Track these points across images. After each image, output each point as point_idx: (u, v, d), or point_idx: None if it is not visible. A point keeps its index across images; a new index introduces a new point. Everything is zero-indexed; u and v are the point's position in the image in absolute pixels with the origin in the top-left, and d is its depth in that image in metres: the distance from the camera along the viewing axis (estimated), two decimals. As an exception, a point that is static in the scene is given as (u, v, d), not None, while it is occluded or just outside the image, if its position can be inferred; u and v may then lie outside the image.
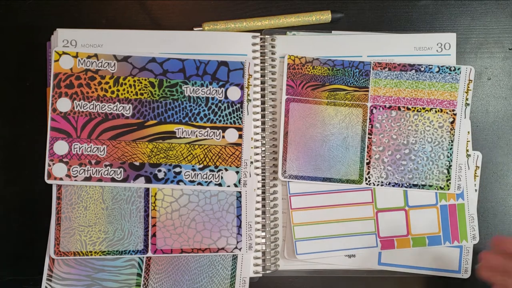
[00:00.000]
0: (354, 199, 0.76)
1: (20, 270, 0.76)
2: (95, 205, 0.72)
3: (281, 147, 0.75)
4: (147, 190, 0.73)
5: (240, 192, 0.74)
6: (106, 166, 0.72)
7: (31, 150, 0.75)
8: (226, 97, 0.74)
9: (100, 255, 0.72)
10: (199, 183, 0.73)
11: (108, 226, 0.72)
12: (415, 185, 0.76)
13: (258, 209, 0.75)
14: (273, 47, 0.76)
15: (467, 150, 0.76)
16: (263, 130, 0.76)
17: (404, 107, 0.76)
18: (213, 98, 0.74)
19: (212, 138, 0.74)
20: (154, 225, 0.73)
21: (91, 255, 0.72)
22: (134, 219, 0.73)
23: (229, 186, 0.73)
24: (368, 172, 0.76)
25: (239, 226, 0.74)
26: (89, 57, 0.72)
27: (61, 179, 0.71)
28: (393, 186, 0.75)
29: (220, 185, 0.73)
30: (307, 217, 0.75)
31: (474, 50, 0.79)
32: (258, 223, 0.75)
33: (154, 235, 0.73)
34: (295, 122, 0.76)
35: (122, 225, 0.73)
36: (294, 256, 0.75)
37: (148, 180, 0.73)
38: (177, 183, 0.73)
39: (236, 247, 0.74)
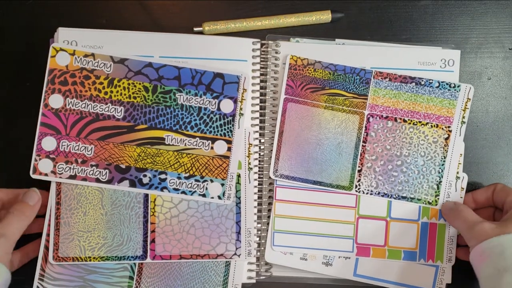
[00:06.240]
0: (338, 201, 0.72)
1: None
2: (94, 211, 0.68)
3: (275, 146, 0.71)
4: (146, 196, 0.69)
5: (239, 198, 0.70)
6: (92, 166, 0.68)
7: (32, 151, 0.68)
8: (218, 109, 0.70)
9: (99, 260, 0.68)
10: (183, 192, 0.69)
11: (107, 232, 0.69)
12: (403, 197, 0.72)
13: (254, 214, 0.72)
14: (276, 52, 0.72)
15: (457, 173, 0.72)
16: (262, 135, 0.72)
17: (400, 118, 0.72)
18: (205, 109, 0.69)
19: (200, 148, 0.69)
20: (153, 231, 0.69)
21: (90, 260, 0.68)
22: (133, 225, 0.69)
23: (212, 197, 0.70)
24: (359, 180, 0.72)
25: (238, 233, 0.70)
26: (86, 55, 0.68)
27: (46, 174, 0.67)
28: (382, 196, 0.72)
29: (204, 195, 0.69)
30: (290, 210, 0.72)
31: (474, 50, 0.75)
32: (254, 228, 0.71)
33: (153, 241, 0.69)
34: (291, 123, 0.71)
35: (121, 230, 0.69)
36: (270, 247, 0.71)
37: (132, 184, 0.68)
38: (162, 190, 0.69)
39: (235, 253, 0.70)
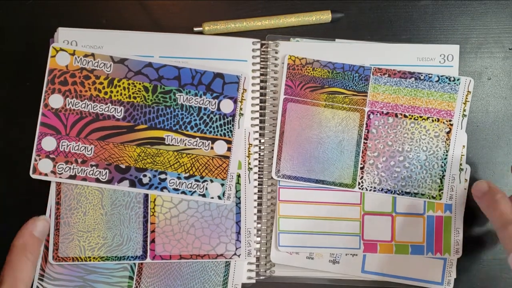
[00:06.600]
0: (342, 199, 0.72)
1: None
2: (94, 211, 0.68)
3: (276, 146, 0.71)
4: (146, 196, 0.68)
5: (239, 198, 0.70)
6: (92, 166, 0.67)
7: (32, 151, 0.68)
8: (218, 109, 0.69)
9: (98, 260, 0.67)
10: (183, 192, 0.69)
11: (107, 232, 0.68)
12: (407, 193, 0.71)
13: (254, 214, 0.71)
14: (276, 52, 0.71)
15: (461, 164, 0.72)
16: (262, 135, 0.72)
17: (401, 114, 0.71)
18: (205, 109, 0.69)
19: (200, 148, 0.69)
20: (153, 231, 0.69)
21: (90, 260, 0.67)
22: (133, 225, 0.68)
23: (212, 198, 0.69)
24: (362, 177, 0.71)
25: (238, 233, 0.70)
26: (86, 55, 0.68)
27: (46, 174, 0.67)
28: (386, 192, 0.71)
29: (204, 196, 0.69)
30: (294, 210, 0.71)
31: (474, 50, 0.75)
32: (254, 228, 0.71)
33: (153, 241, 0.69)
34: (292, 122, 0.71)
35: (121, 230, 0.68)
36: (276, 248, 0.71)
37: (132, 184, 0.68)
38: (161, 190, 0.68)
39: (235, 254, 0.69)
